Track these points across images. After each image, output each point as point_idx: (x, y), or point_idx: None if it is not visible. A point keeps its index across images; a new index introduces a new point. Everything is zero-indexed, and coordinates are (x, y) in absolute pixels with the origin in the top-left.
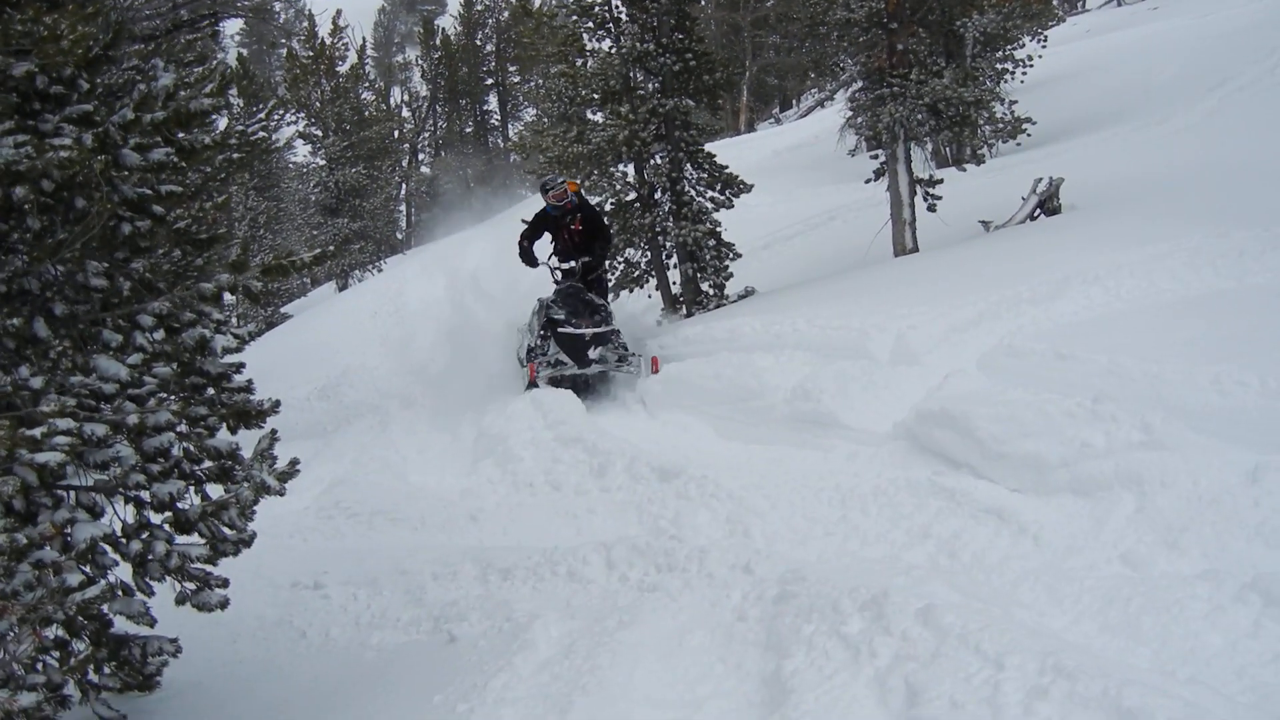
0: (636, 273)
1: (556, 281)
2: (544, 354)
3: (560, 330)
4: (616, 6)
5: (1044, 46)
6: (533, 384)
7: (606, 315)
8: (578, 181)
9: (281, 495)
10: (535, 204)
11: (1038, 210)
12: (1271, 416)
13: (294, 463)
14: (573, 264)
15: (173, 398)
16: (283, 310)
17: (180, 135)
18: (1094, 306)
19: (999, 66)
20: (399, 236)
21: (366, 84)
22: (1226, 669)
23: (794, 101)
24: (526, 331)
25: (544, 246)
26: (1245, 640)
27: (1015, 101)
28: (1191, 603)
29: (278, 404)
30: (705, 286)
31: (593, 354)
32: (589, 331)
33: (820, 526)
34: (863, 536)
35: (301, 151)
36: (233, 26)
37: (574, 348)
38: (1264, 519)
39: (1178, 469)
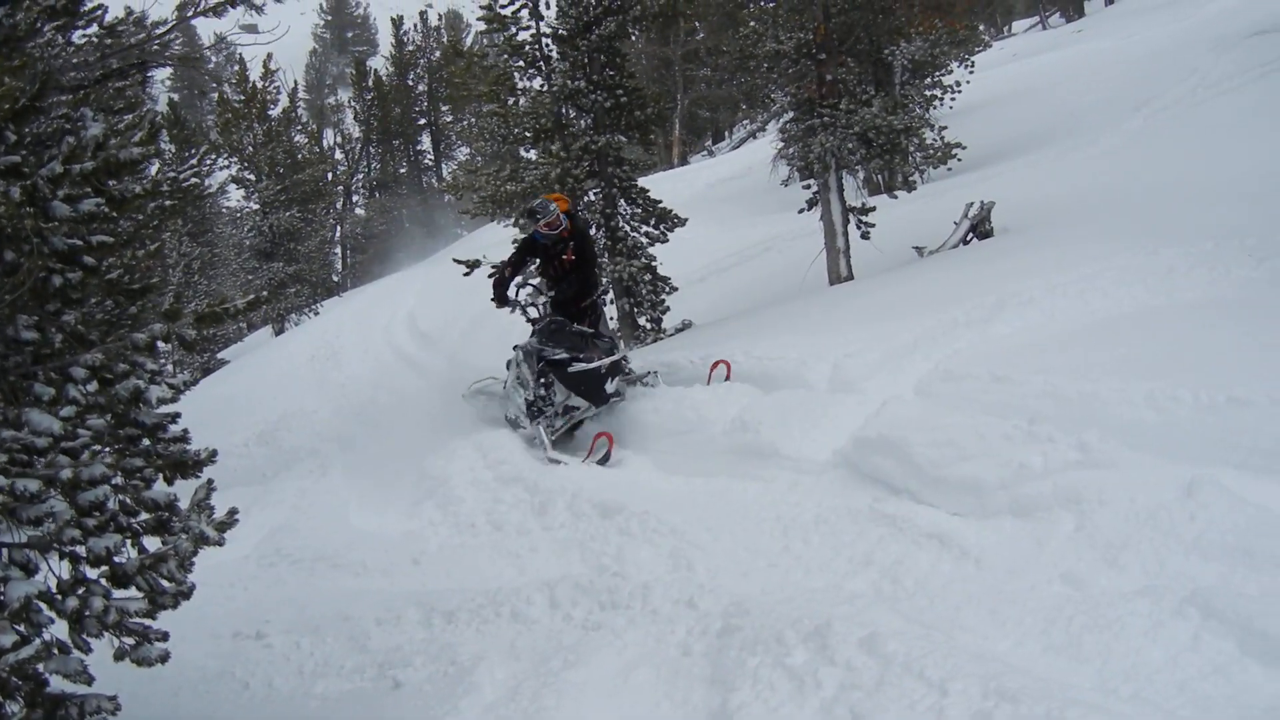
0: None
1: (532, 321)
2: (550, 404)
3: (571, 370)
4: (547, 45)
5: (971, 72)
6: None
7: (611, 340)
8: (557, 207)
9: (220, 545)
10: (471, 244)
11: (970, 234)
12: (1205, 430)
13: (232, 512)
14: (545, 299)
15: (107, 450)
16: (219, 356)
17: (110, 185)
18: (1029, 328)
19: (928, 93)
20: (335, 279)
21: (299, 127)
22: (1168, 684)
23: (726, 133)
24: (515, 389)
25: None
26: (1186, 654)
27: (945, 127)
28: (1132, 619)
29: (214, 453)
30: (642, 321)
31: (609, 387)
32: (605, 363)
33: (763, 558)
34: (806, 566)
35: (235, 196)
36: (163, 73)
37: (590, 386)
38: (1200, 533)
39: (1115, 487)
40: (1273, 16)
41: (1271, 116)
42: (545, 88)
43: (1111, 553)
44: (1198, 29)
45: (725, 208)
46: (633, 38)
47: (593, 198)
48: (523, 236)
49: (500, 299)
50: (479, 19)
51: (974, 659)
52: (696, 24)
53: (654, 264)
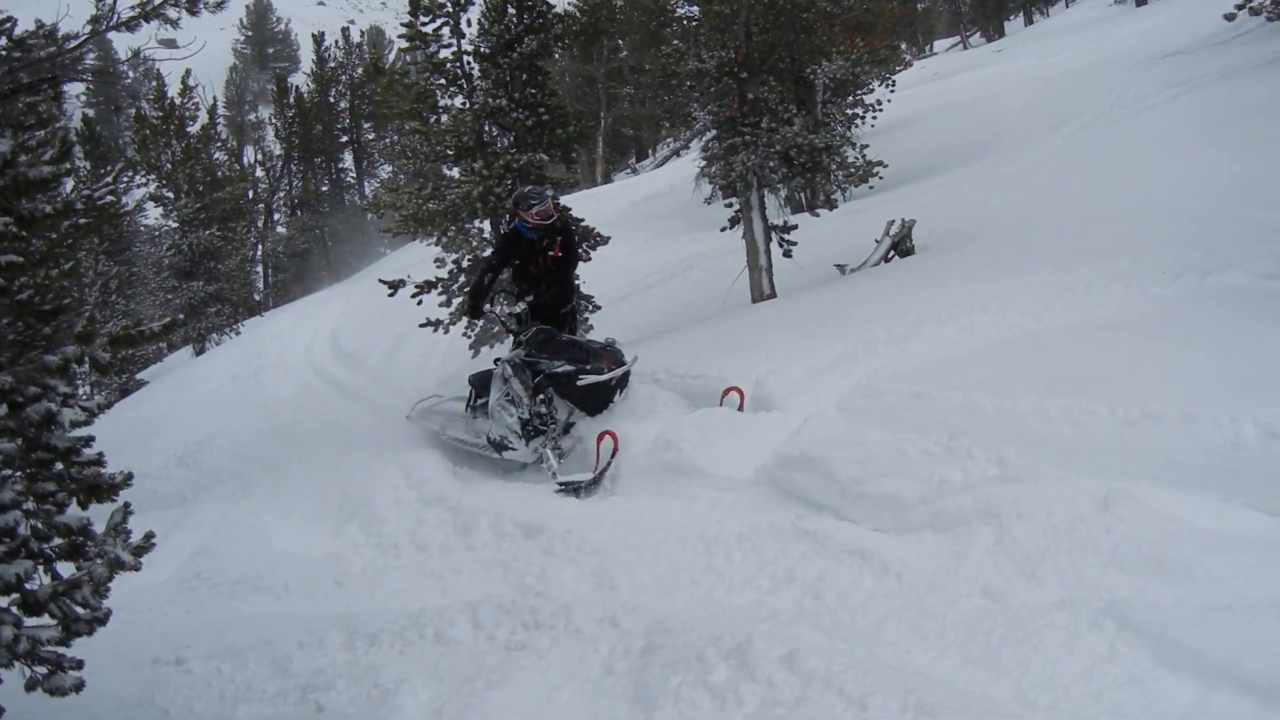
0: (496, 328)
1: (514, 332)
2: (552, 421)
3: (581, 383)
4: (468, 62)
5: (893, 91)
6: (575, 485)
7: (615, 349)
8: (554, 193)
9: (137, 570)
10: (395, 262)
11: (891, 252)
12: (1121, 444)
13: (149, 536)
14: (521, 307)
15: (18, 474)
16: (138, 377)
17: (20, 204)
18: (948, 345)
19: (849, 112)
20: (256, 298)
21: (219, 144)
22: (1084, 694)
23: (650, 151)
24: (502, 408)
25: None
26: (1101, 665)
27: (867, 146)
28: (1050, 631)
29: (130, 476)
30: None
31: (617, 399)
32: (616, 374)
33: (686, 576)
34: (728, 584)
35: (153, 214)
36: (77, 88)
37: (601, 400)
38: (1116, 545)
39: (1033, 501)
40: (1185, 39)
41: (1185, 136)
42: (467, 105)
43: (1030, 566)
44: (1114, 50)
45: (649, 226)
46: (555, 56)
47: None
48: (503, 234)
49: (474, 310)
50: (400, 36)
51: (894, 673)
52: (620, 42)
53: (577, 282)
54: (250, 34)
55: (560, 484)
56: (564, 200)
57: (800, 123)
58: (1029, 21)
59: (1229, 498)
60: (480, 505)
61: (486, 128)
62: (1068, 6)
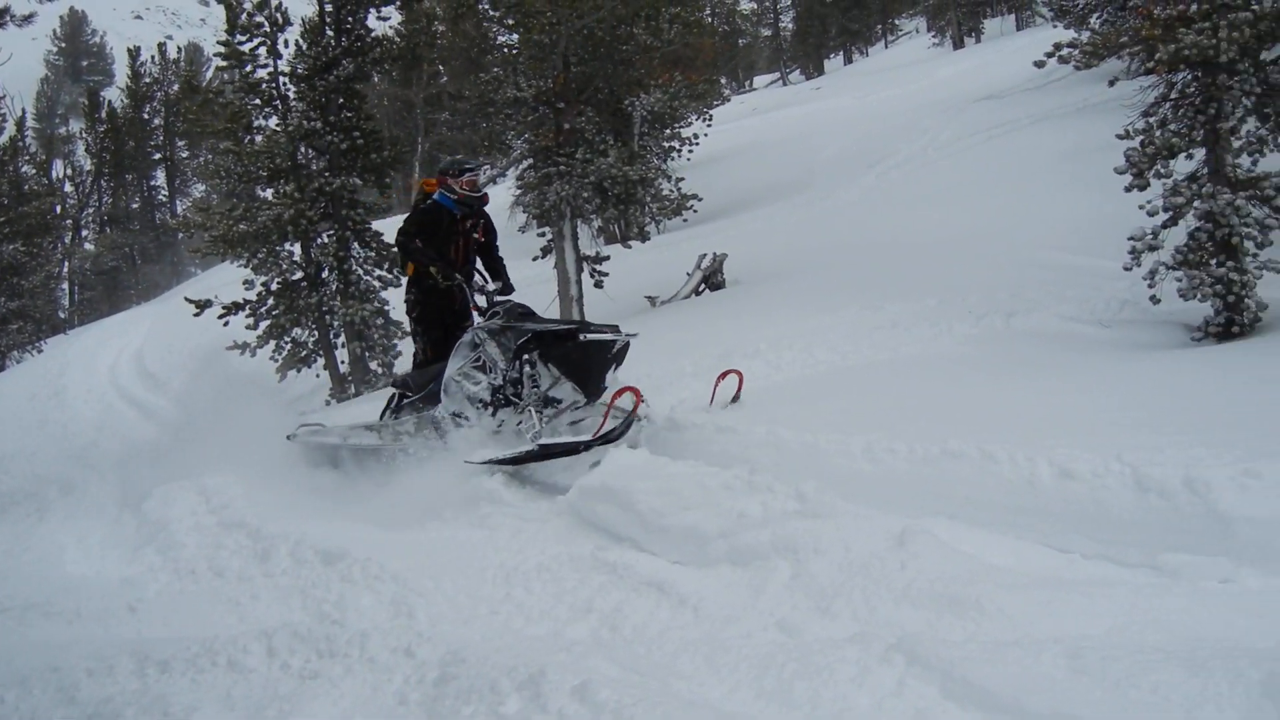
0: (304, 352)
1: (479, 308)
2: (536, 387)
3: (584, 339)
4: (284, 84)
5: (709, 125)
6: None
7: (610, 324)
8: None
9: None
10: (205, 282)
11: (703, 285)
12: (918, 482)
13: None
14: (494, 286)
15: None
16: None
17: None
18: (754, 379)
19: (666, 144)
20: (61, 316)
21: (26, 157)
22: None
23: None
24: (466, 376)
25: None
26: (890, 699)
27: (682, 179)
28: (841, 666)
29: None
30: (374, 365)
31: (609, 379)
32: (621, 338)
33: (485, 605)
34: (526, 614)
35: None
36: None
37: (594, 367)
38: (910, 581)
39: (831, 536)
40: (999, 84)
41: (996, 179)
42: (282, 127)
43: (825, 600)
44: (929, 91)
45: None
46: (373, 79)
47: (326, 240)
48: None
49: (449, 274)
50: (216, 54)
51: (686, 706)
52: (440, 67)
53: (386, 308)
54: (64, 45)
55: (542, 446)
56: (375, 226)
57: (616, 154)
58: (848, 60)
59: (1024, 535)
60: (281, 531)
61: (301, 150)
62: (887, 47)
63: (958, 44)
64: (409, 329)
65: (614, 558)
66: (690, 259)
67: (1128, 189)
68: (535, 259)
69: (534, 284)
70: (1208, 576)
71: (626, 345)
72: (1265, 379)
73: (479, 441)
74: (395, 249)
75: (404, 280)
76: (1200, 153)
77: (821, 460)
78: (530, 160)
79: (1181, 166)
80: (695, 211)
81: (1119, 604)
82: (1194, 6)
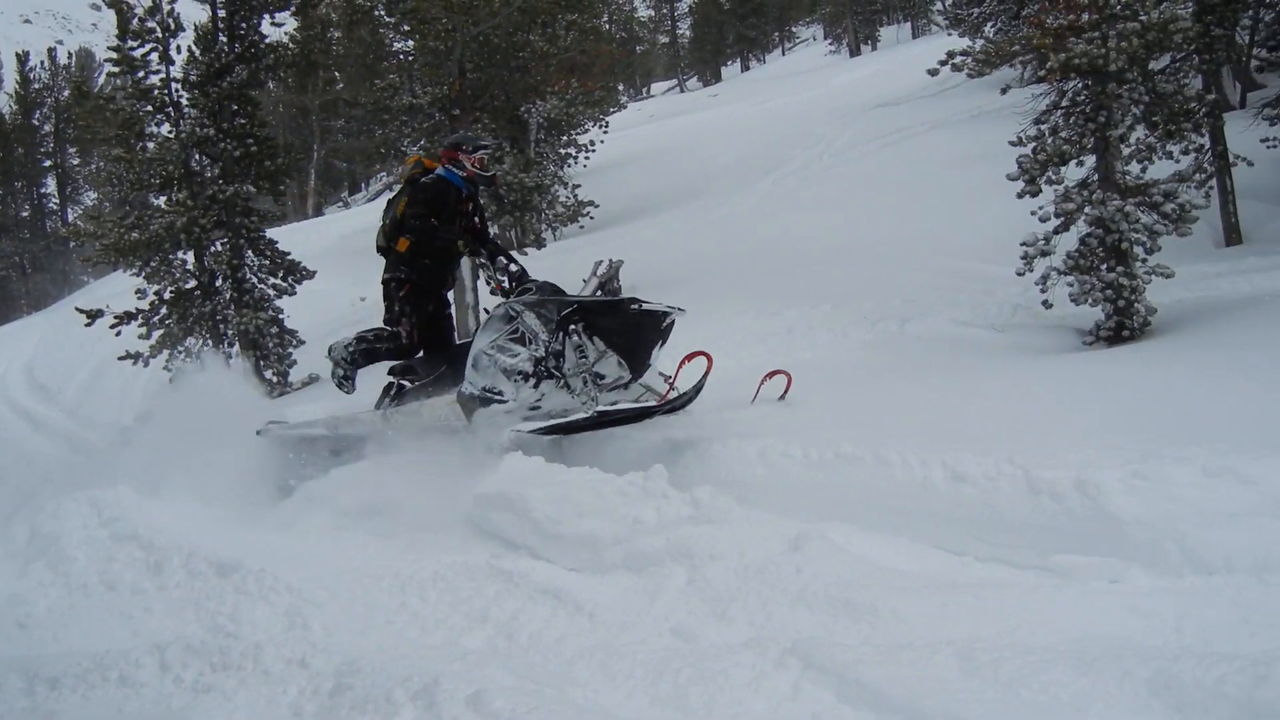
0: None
1: (503, 288)
2: (584, 361)
3: (637, 309)
4: (177, 91)
5: (606, 132)
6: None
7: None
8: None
9: None
10: (97, 291)
11: (599, 292)
12: (813, 486)
13: None
14: (516, 267)
15: None
16: None
17: None
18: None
19: (562, 151)
20: None
21: None
22: None
23: (363, 185)
24: (501, 350)
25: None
26: (786, 703)
27: (579, 186)
28: (736, 671)
29: None
30: (269, 375)
31: (655, 356)
32: (675, 312)
33: (381, 615)
34: (423, 623)
35: None
36: None
37: (646, 340)
38: (805, 585)
39: (726, 541)
40: (895, 91)
41: (890, 185)
42: (174, 134)
43: (720, 606)
44: (826, 98)
45: (359, 260)
46: (268, 86)
47: (219, 248)
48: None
49: (476, 249)
50: (107, 60)
51: (581, 713)
52: (335, 74)
53: (281, 317)
54: None
55: (600, 412)
56: (270, 234)
57: (512, 161)
58: (745, 67)
59: (918, 538)
60: (174, 543)
61: (194, 157)
62: (784, 54)
63: (854, 51)
64: (392, 311)
65: (510, 566)
66: (587, 265)
67: (1020, 195)
68: None
69: None
70: (1098, 577)
71: (673, 323)
72: (1154, 383)
73: (507, 419)
74: (408, 227)
75: (386, 259)
76: (1091, 160)
77: (717, 465)
78: None
79: (1072, 173)
80: (592, 218)
81: (1011, 605)
82: (1084, 16)
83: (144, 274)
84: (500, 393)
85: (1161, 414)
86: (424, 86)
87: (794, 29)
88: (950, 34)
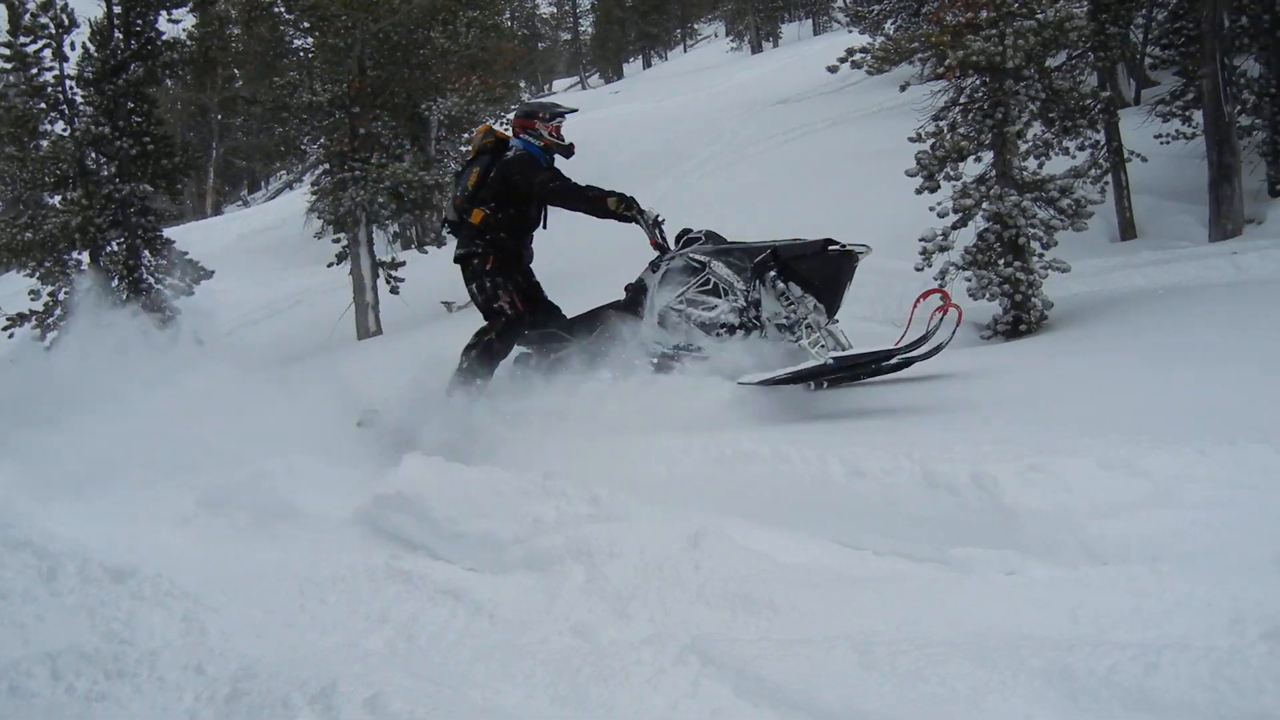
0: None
1: (662, 244)
2: (789, 303)
3: (836, 249)
4: (71, 88)
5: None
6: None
7: None
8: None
9: None
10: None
11: None
12: (712, 483)
13: None
14: (663, 216)
15: None
16: None
17: None
18: None
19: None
20: None
21: None
22: None
23: (263, 184)
24: (693, 304)
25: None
26: (685, 700)
27: None
28: (636, 668)
29: None
30: None
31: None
32: (867, 246)
33: (279, 619)
34: (322, 626)
35: None
36: None
37: (842, 281)
38: (704, 581)
39: (626, 539)
40: (795, 87)
41: (792, 180)
42: (69, 132)
43: (620, 603)
44: (727, 95)
45: (258, 260)
46: (165, 83)
47: (115, 248)
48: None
49: (632, 202)
50: None
51: (480, 713)
52: (234, 71)
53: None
54: None
55: (836, 359)
56: (167, 233)
57: (412, 159)
58: (648, 64)
59: (816, 533)
60: (67, 549)
61: (89, 155)
62: (686, 51)
63: (755, 48)
64: (483, 288)
65: (409, 566)
66: None
67: (919, 191)
68: (330, 265)
69: (332, 290)
70: (995, 569)
71: (855, 266)
72: (1050, 375)
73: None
74: (551, 193)
75: (457, 235)
76: (988, 155)
77: (617, 463)
78: (325, 165)
79: (970, 169)
80: None
81: (909, 598)
82: (982, 14)
83: (38, 275)
84: (699, 349)
85: (1057, 407)
86: (324, 84)
87: (696, 26)
88: (851, 31)
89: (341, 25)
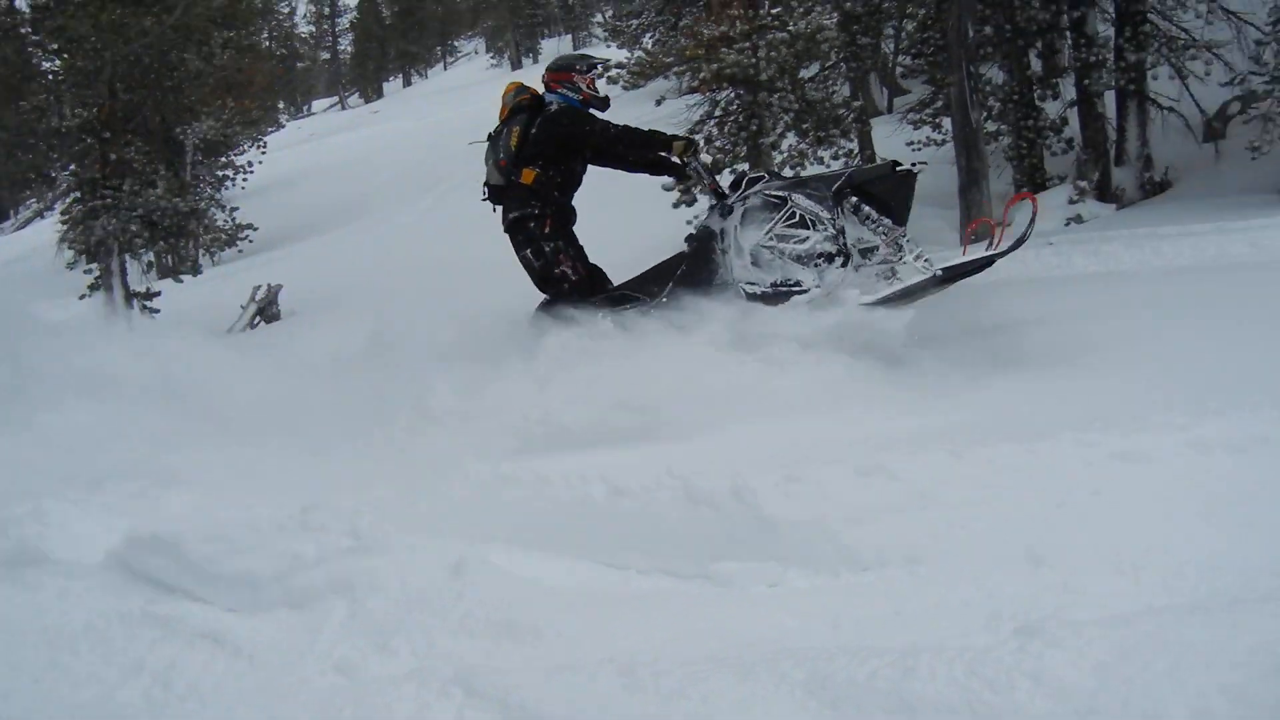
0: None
1: (720, 190)
2: (880, 227)
3: (904, 168)
4: None
5: (264, 152)
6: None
7: None
8: None
9: None
10: None
11: (258, 318)
12: (474, 509)
13: None
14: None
15: None
16: None
17: None
18: None
19: (220, 173)
20: None
21: None
22: None
23: (11, 213)
24: (783, 238)
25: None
26: None
27: (237, 209)
28: (399, 704)
29: None
30: None
31: None
32: (920, 163)
33: (27, 675)
34: (73, 679)
35: None
36: None
37: (906, 202)
38: (467, 611)
39: (388, 571)
40: None
41: None
42: None
43: (383, 638)
44: (488, 112)
45: (4, 294)
46: None
47: None
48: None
49: (692, 147)
50: None
51: None
52: None
53: None
54: None
55: (946, 269)
56: None
57: (165, 185)
58: (408, 83)
59: (580, 556)
60: None
61: None
62: (446, 69)
63: (516, 64)
64: (542, 254)
65: (166, 610)
66: (246, 290)
67: (676, 205)
68: (82, 297)
69: (81, 325)
70: (757, 581)
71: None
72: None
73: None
74: (614, 139)
75: (501, 201)
76: (744, 167)
77: (376, 494)
78: (76, 193)
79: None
80: (251, 241)
81: (673, 616)
82: (737, 26)
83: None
84: (798, 283)
85: (816, 417)
86: (73, 109)
87: (456, 43)
88: (610, 46)
89: (91, 47)
